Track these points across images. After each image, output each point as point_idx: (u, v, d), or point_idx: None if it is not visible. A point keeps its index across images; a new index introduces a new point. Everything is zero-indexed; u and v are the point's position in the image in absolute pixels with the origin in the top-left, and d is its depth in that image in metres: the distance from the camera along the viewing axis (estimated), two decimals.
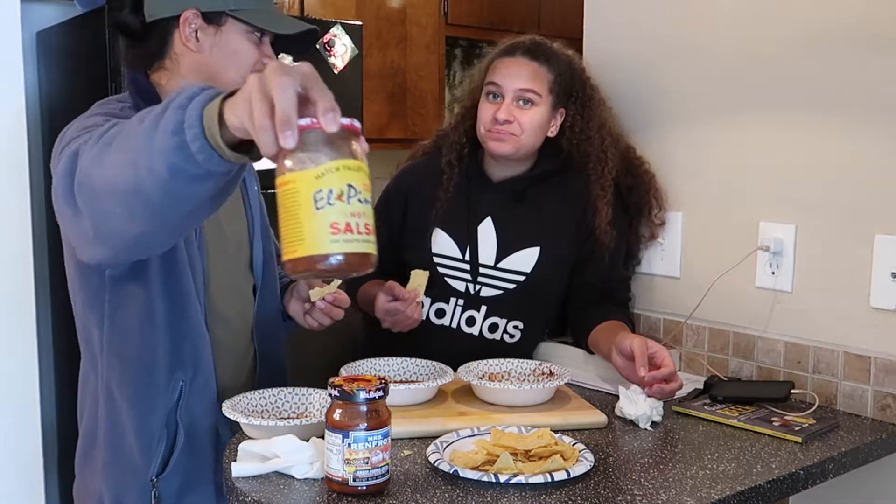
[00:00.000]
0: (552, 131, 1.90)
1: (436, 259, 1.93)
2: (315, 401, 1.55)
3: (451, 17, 4.00)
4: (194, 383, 1.53)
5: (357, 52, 3.01)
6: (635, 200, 2.00)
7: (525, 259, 1.90)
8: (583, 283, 1.94)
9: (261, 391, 1.54)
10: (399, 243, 1.99)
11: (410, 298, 1.76)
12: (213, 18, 1.52)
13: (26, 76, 2.42)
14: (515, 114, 1.84)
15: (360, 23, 3.07)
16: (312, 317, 1.69)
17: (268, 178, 2.61)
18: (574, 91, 1.91)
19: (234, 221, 1.65)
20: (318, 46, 2.91)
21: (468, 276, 1.91)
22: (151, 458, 1.51)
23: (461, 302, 1.92)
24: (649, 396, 1.60)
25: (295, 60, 1.58)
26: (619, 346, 1.71)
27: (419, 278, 1.79)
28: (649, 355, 1.66)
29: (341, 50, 2.97)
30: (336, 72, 2.96)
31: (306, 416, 1.50)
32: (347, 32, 2.97)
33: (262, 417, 1.48)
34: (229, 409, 1.45)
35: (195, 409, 1.53)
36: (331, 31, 2.94)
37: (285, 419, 1.48)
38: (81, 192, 1.17)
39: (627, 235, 2.01)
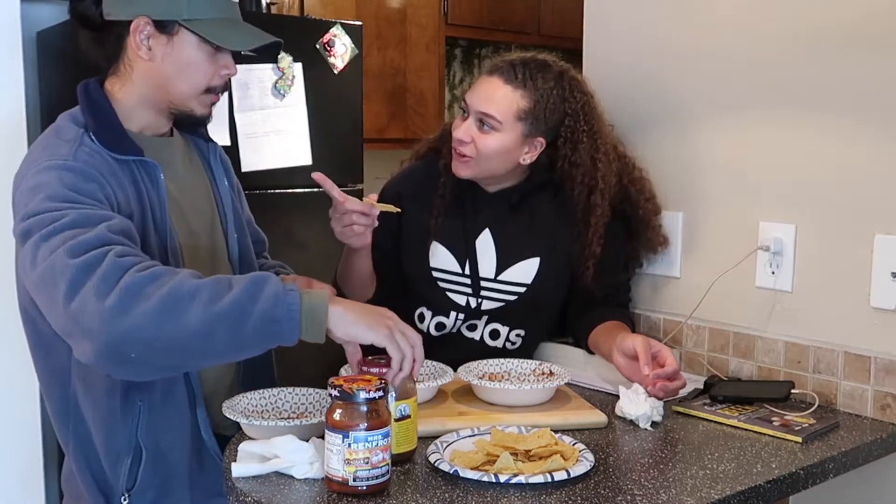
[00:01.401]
0: (525, 159, 1.82)
1: (435, 273, 1.90)
2: (315, 401, 1.55)
3: (451, 17, 4.00)
4: (155, 401, 1.48)
5: (357, 52, 3.01)
6: (632, 212, 1.94)
7: (525, 270, 1.88)
8: (582, 288, 1.92)
9: (261, 391, 1.54)
10: (398, 250, 1.96)
11: (364, 208, 1.67)
12: (165, 27, 1.48)
13: (26, 76, 2.42)
14: (474, 135, 1.78)
15: (360, 23, 3.07)
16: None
17: (261, 178, 2.58)
18: (557, 121, 1.80)
19: (204, 219, 1.63)
20: (317, 46, 2.91)
21: (469, 290, 1.89)
22: (120, 475, 1.49)
23: (461, 316, 1.91)
24: (652, 395, 1.60)
25: (258, 61, 1.58)
26: (621, 346, 1.71)
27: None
28: (652, 354, 1.66)
29: (341, 50, 2.96)
30: (336, 72, 2.96)
31: (306, 416, 1.50)
32: (347, 32, 2.97)
33: (263, 418, 1.48)
34: (229, 410, 1.45)
35: (160, 426, 1.50)
36: (331, 31, 2.94)
37: (285, 419, 1.48)
38: (120, 311, 1.20)
39: (626, 246, 1.98)
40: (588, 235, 1.85)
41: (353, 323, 1.31)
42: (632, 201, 1.93)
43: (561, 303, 1.96)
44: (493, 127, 1.77)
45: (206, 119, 1.59)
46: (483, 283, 1.89)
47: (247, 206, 1.81)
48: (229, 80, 1.59)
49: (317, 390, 1.55)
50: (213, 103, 1.58)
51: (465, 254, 1.90)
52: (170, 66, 1.49)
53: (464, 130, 1.79)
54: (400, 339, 1.33)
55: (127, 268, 1.23)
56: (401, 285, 1.94)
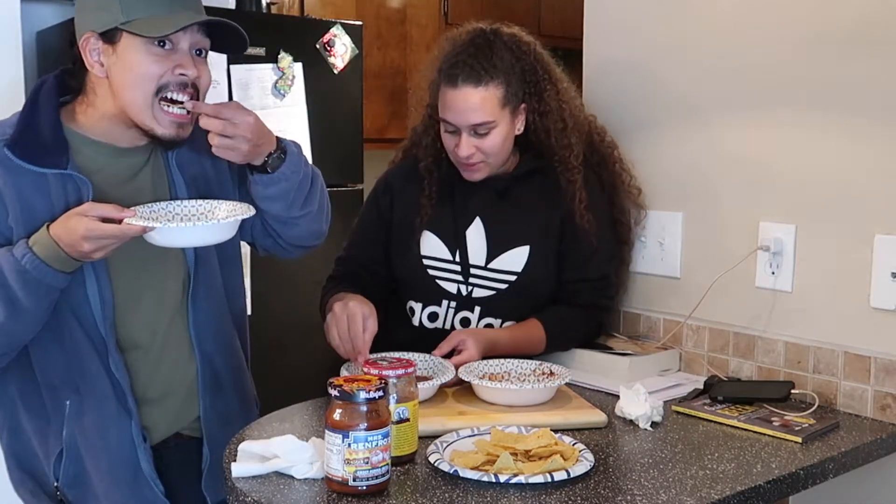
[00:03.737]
0: (519, 129, 1.88)
1: (425, 262, 1.91)
2: (220, 207, 1.54)
3: (451, 17, 4.00)
4: (87, 402, 1.51)
5: (357, 52, 3.01)
6: (607, 176, 2.01)
7: (515, 258, 1.89)
8: (560, 282, 1.92)
9: (167, 202, 1.53)
10: (388, 245, 1.97)
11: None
12: (109, 37, 1.46)
13: (26, 76, 2.42)
14: (476, 144, 1.81)
15: (360, 23, 3.07)
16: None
17: None
18: (527, 83, 1.86)
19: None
20: (317, 46, 2.91)
21: (459, 278, 1.90)
22: (54, 469, 1.52)
23: (453, 304, 1.91)
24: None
25: (230, 60, 1.54)
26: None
27: None
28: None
29: (341, 50, 2.96)
30: (336, 72, 2.96)
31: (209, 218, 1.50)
32: (347, 32, 2.97)
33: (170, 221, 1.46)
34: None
35: (92, 426, 1.51)
36: (331, 31, 2.94)
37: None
38: None
39: (611, 216, 2.00)
40: (569, 181, 1.88)
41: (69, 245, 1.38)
42: (598, 149, 2.01)
43: (551, 293, 1.95)
44: (489, 128, 1.80)
45: (174, 141, 1.51)
46: (473, 271, 1.90)
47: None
48: (195, 90, 1.50)
49: (221, 202, 1.56)
50: (179, 123, 1.49)
51: (456, 242, 1.91)
52: (120, 75, 1.46)
53: (465, 147, 1.81)
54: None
55: None
56: (391, 289, 1.96)
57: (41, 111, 1.50)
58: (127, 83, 1.47)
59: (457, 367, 1.69)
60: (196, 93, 1.51)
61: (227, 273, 1.68)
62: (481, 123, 1.79)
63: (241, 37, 1.54)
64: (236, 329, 1.73)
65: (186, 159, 1.61)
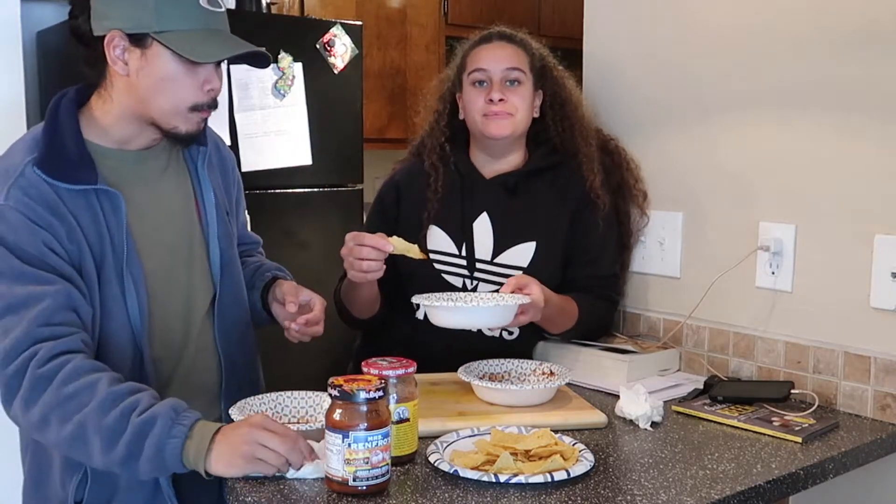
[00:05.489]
0: (535, 112, 1.95)
1: (431, 256, 1.92)
2: (316, 404, 1.54)
3: (451, 17, 4.01)
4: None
5: (357, 52, 3.01)
6: (616, 179, 2.04)
7: (522, 254, 1.90)
8: (570, 279, 1.94)
9: (261, 396, 1.53)
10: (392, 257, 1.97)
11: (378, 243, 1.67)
12: (138, 40, 1.42)
13: (26, 76, 2.42)
14: (507, 94, 1.87)
15: (360, 23, 3.07)
16: (291, 336, 1.64)
17: (261, 178, 2.59)
18: (546, 73, 1.96)
19: (181, 231, 1.58)
20: (317, 46, 2.91)
21: (465, 272, 1.91)
22: (76, 493, 1.48)
23: None
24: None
25: (230, 60, 1.51)
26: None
27: (410, 249, 1.69)
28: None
29: (341, 50, 2.96)
30: (336, 72, 2.96)
31: (308, 422, 1.50)
32: (347, 32, 2.97)
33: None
34: (235, 412, 1.44)
35: None
36: (331, 31, 2.93)
37: (287, 424, 1.47)
38: (42, 428, 1.35)
39: (617, 220, 2.03)
40: (585, 164, 1.94)
41: (228, 466, 1.28)
42: (608, 149, 2.06)
43: (556, 290, 1.95)
44: (518, 81, 1.89)
45: (193, 136, 1.52)
46: (479, 265, 1.91)
47: (244, 208, 1.80)
48: (216, 96, 1.52)
49: (318, 393, 1.55)
50: (203, 119, 1.52)
51: (462, 236, 1.92)
52: (146, 81, 1.44)
53: (498, 90, 1.87)
54: (265, 454, 1.27)
55: (45, 387, 1.33)
56: (398, 287, 1.95)
57: (63, 126, 1.46)
58: (157, 91, 1.45)
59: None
60: (216, 99, 1.54)
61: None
62: (515, 68, 1.88)
63: (266, 58, 1.55)
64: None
65: (210, 162, 1.64)
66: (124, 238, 1.46)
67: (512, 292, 1.72)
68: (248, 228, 1.89)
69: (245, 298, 1.69)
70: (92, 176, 1.44)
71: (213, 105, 1.52)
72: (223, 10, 1.49)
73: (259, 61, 1.54)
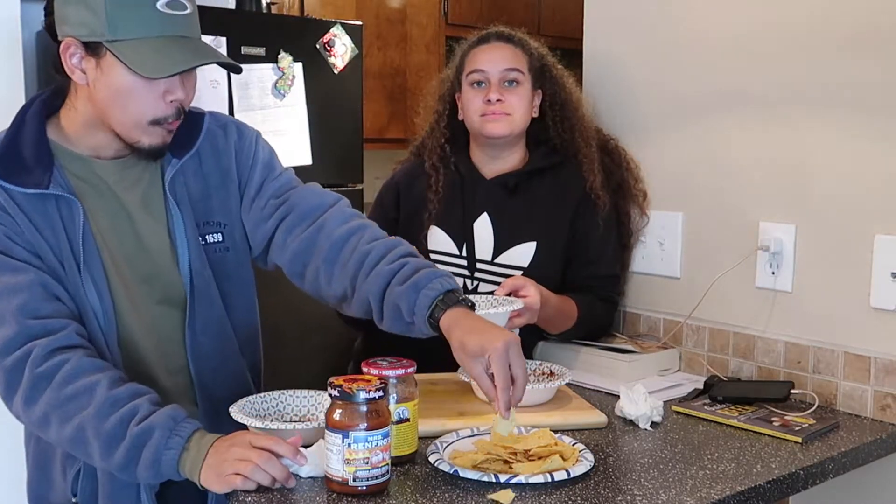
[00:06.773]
0: (535, 112, 1.95)
1: (432, 256, 1.93)
2: (317, 402, 1.54)
3: (451, 17, 4.01)
4: None
5: (357, 52, 3.01)
6: (616, 179, 2.04)
7: (522, 254, 1.90)
8: (570, 279, 1.94)
9: (261, 395, 1.52)
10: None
11: None
12: (93, 49, 1.33)
13: (26, 76, 2.42)
14: (505, 94, 1.88)
15: (360, 23, 3.07)
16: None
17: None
18: (546, 73, 1.97)
19: (151, 238, 1.49)
20: (317, 46, 2.91)
21: (465, 272, 1.92)
22: (72, 486, 1.47)
23: None
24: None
25: (228, 73, 1.41)
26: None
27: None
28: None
29: (341, 50, 2.97)
30: (336, 72, 2.96)
31: (309, 420, 1.50)
32: (347, 32, 2.97)
33: (267, 420, 1.46)
34: (237, 413, 1.43)
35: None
36: (331, 31, 2.94)
37: (288, 422, 1.47)
38: (43, 427, 1.35)
39: (617, 220, 2.03)
40: (585, 164, 1.94)
41: (217, 483, 1.27)
42: (608, 149, 2.06)
43: (556, 290, 1.95)
44: (517, 81, 1.90)
45: (159, 150, 1.43)
46: (479, 265, 1.91)
47: (279, 171, 1.62)
48: (181, 106, 1.41)
49: (320, 392, 1.54)
50: (169, 132, 1.42)
51: (463, 236, 1.93)
52: (103, 92, 1.36)
53: (496, 91, 1.88)
54: (252, 472, 1.25)
55: (44, 386, 1.32)
56: None
57: (26, 128, 1.41)
58: (115, 103, 1.37)
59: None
60: (182, 108, 1.43)
61: (235, 296, 1.57)
62: (513, 69, 1.89)
63: (235, 67, 1.46)
64: (245, 352, 1.62)
65: (188, 175, 1.51)
66: (80, 246, 1.39)
67: (508, 294, 1.72)
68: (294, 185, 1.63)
69: (227, 322, 1.56)
70: (44, 180, 1.37)
71: (179, 115, 1.41)
72: (188, 11, 1.37)
73: (229, 68, 1.47)
